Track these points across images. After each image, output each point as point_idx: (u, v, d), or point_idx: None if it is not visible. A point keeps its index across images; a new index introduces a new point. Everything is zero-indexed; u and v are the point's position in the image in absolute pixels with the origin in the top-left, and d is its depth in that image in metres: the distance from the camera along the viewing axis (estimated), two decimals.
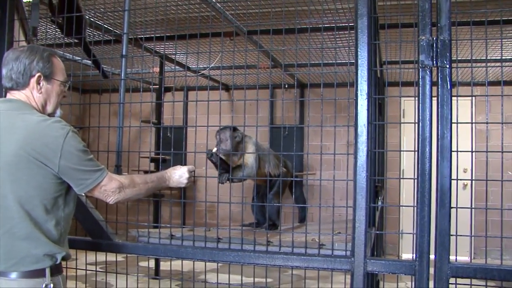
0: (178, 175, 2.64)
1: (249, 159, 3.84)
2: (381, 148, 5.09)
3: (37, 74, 2.28)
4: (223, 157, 3.85)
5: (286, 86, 9.12)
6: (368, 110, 2.45)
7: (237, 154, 3.86)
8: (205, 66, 7.64)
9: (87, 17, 4.95)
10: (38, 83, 2.29)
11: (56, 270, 2.18)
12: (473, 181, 8.40)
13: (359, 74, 2.47)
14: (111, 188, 2.29)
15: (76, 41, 3.37)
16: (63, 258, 2.21)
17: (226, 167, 3.78)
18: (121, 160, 3.23)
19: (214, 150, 3.79)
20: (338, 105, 8.09)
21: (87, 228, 2.95)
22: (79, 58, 4.57)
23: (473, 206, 8.23)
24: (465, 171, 8.02)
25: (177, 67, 7.76)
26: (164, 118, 7.56)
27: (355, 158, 2.46)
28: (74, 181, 2.20)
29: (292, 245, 2.80)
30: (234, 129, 3.91)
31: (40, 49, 2.32)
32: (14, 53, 2.30)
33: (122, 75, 3.29)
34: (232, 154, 3.83)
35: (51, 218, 2.16)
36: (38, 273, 2.11)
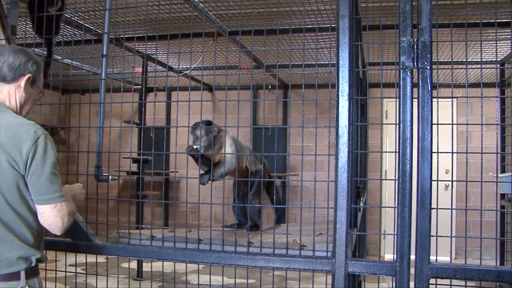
0: (78, 193, 2.45)
1: (227, 156, 3.84)
2: (363, 149, 5.11)
3: (28, 75, 2.28)
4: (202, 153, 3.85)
5: (270, 87, 9.14)
6: (349, 111, 2.45)
7: (216, 149, 3.85)
8: (187, 66, 7.63)
9: (67, 15, 4.91)
10: (26, 83, 2.28)
11: (31, 272, 2.16)
12: (454, 182, 8.48)
13: (340, 75, 2.47)
14: (66, 212, 2.18)
15: (44, 41, 3.34)
16: (39, 261, 2.19)
17: (207, 162, 3.79)
18: (102, 161, 3.20)
19: (195, 147, 3.79)
20: (320, 106, 8.12)
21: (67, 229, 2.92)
22: (59, 57, 4.54)
23: (454, 207, 8.33)
24: (447, 172, 8.09)
25: (159, 67, 7.73)
26: (146, 118, 7.53)
27: (336, 159, 2.47)
28: (37, 189, 2.13)
29: (274, 246, 2.80)
30: (208, 123, 3.90)
31: (33, 54, 2.34)
32: (13, 47, 2.31)
33: (103, 75, 3.26)
34: (211, 149, 3.82)
35: (24, 222, 2.14)
36: (12, 276, 2.10)
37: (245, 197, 3.96)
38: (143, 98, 7.61)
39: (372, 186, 8.44)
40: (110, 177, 3.15)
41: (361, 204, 4.28)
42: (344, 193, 2.46)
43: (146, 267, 7.17)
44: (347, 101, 2.46)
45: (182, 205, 9.37)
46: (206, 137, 3.83)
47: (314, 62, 7.30)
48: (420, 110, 2.38)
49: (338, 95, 2.47)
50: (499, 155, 6.25)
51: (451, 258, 8.24)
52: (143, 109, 7.42)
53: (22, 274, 2.11)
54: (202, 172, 3.73)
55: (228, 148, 3.86)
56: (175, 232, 3.10)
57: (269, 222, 6.47)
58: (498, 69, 6.57)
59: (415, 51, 2.38)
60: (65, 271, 3.29)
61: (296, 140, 8.93)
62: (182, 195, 9.55)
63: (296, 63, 7.60)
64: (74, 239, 2.90)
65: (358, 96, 3.48)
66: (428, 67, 2.38)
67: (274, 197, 4.22)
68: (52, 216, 2.14)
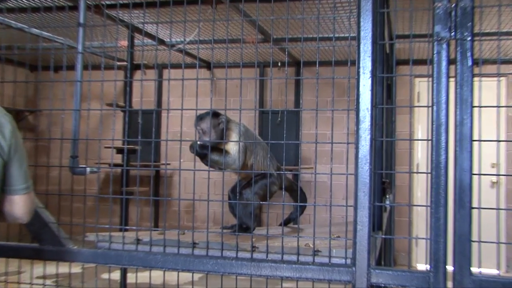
0: None
1: (232, 149, 3.85)
2: (389, 137, 5.09)
3: None
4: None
5: (279, 64, 9.11)
6: (372, 91, 2.43)
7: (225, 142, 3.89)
8: (181, 39, 7.60)
9: None
10: None
11: None
12: (503, 178, 8.43)
13: (361, 49, 2.44)
14: (32, 201, 2.31)
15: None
16: None
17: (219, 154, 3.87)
18: (78, 150, 3.19)
19: (199, 142, 3.83)
20: (338, 86, 8.08)
21: (34, 231, 2.90)
22: (26, 27, 4.51)
23: (501, 207, 8.20)
24: (493, 166, 7.95)
25: (147, 40, 7.70)
26: (132, 100, 7.53)
27: (357, 148, 2.45)
28: (17, 177, 2.22)
29: (282, 251, 2.78)
30: (215, 114, 3.91)
31: None
32: None
33: (80, 48, 3.24)
34: (215, 141, 3.86)
35: None
36: None
37: (239, 193, 3.99)
38: (129, 76, 7.60)
39: (400, 181, 8.43)
40: (88, 169, 3.14)
41: (387, 202, 4.26)
42: (365, 189, 2.44)
43: (130, 278, 7.18)
44: (370, 79, 2.43)
45: (175, 204, 9.38)
46: (213, 132, 3.87)
47: (331, 35, 7.25)
48: (458, 91, 2.35)
49: (359, 72, 2.45)
50: None
51: (499, 270, 8.21)
52: (128, 89, 7.41)
53: None
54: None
55: (234, 145, 3.89)
56: (166, 235, 3.08)
57: (277, 222, 6.47)
58: None
59: (453, 19, 2.35)
60: (31, 284, 3.27)
61: (309, 127, 8.92)
62: (174, 191, 9.56)
63: (310, 35, 7.55)
64: (43, 244, 2.88)
65: (383, 74, 3.45)
66: (469, 38, 2.35)
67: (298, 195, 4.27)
68: (27, 205, 2.25)
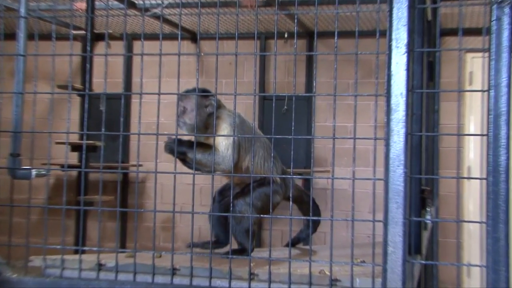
0: None
1: (221, 143, 3.86)
2: (431, 131, 5.09)
3: None
4: (186, 137, 3.91)
5: (286, 36, 9.10)
6: (408, 70, 2.44)
7: (209, 135, 3.90)
8: (158, 1, 7.59)
9: None
10: None
11: None
12: None
13: (394, 15, 2.46)
14: None
15: None
16: None
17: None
18: (21, 147, 3.19)
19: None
20: (363, 64, 8.09)
21: None
22: None
23: None
24: None
25: (113, 1, 7.70)
26: (93, 82, 7.52)
27: (387, 145, 2.47)
28: None
29: (289, 280, 2.78)
30: (205, 93, 3.93)
31: None
32: None
33: (22, 11, 3.24)
34: (200, 134, 3.87)
35: None
36: None
37: (232, 203, 4.00)
38: (88, 50, 7.59)
39: (446, 189, 8.41)
40: (34, 172, 3.14)
41: (428, 217, 4.26)
42: (399, 199, 2.45)
43: None
44: (405, 55, 2.44)
45: (149, 217, 9.39)
46: (194, 113, 3.88)
47: None
48: None
49: (390, 46, 2.46)
50: None
51: None
52: (88, 67, 7.40)
53: None
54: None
55: (223, 139, 3.90)
56: (136, 258, 3.08)
57: (283, 242, 6.47)
58: None
59: None
60: None
61: (325, 117, 8.92)
62: (148, 201, 9.58)
63: None
64: None
65: (423, 48, 3.45)
66: None
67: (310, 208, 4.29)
68: None
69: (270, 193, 3.94)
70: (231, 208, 3.81)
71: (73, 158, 8.34)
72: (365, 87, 7.81)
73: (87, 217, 7.76)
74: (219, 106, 3.98)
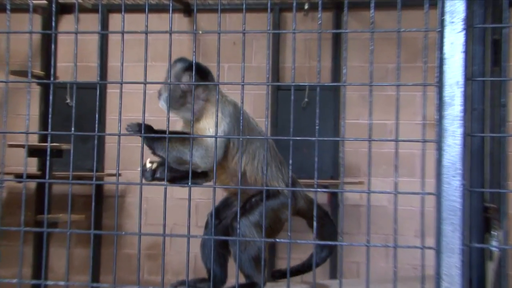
0: None
1: (206, 132, 3.91)
2: (497, 132, 5.03)
3: None
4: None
5: (306, 7, 9.09)
6: (465, 53, 2.42)
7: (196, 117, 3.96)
8: None
9: None
10: None
11: None
12: None
13: None
14: None
15: None
16: None
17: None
18: None
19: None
20: (407, 45, 8.07)
21: None
22: None
23: None
24: None
25: None
26: (58, 67, 7.50)
27: (439, 149, 2.45)
28: None
29: None
30: (194, 67, 3.96)
31: None
32: None
33: None
34: (182, 114, 3.95)
35: None
36: None
37: (230, 225, 4.00)
38: (54, 26, 7.58)
39: None
40: None
41: (494, 243, 4.21)
42: (455, 219, 2.43)
43: None
44: (462, 33, 2.43)
45: (129, 242, 9.37)
46: (179, 88, 3.96)
47: None
48: None
49: (443, 21, 2.45)
50: None
51: None
52: (52, 48, 7.38)
53: None
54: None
55: (209, 126, 3.96)
56: None
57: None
58: None
59: None
60: None
61: (358, 112, 8.91)
62: (128, 222, 9.57)
63: None
64: None
65: (485, 24, 3.40)
66: None
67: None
68: None
69: (278, 207, 3.96)
70: (230, 230, 3.80)
71: (32, 165, 8.34)
72: (410, 74, 7.80)
73: (49, 242, 7.77)
74: (211, 88, 4.00)
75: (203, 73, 4.08)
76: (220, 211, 4.29)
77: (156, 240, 9.05)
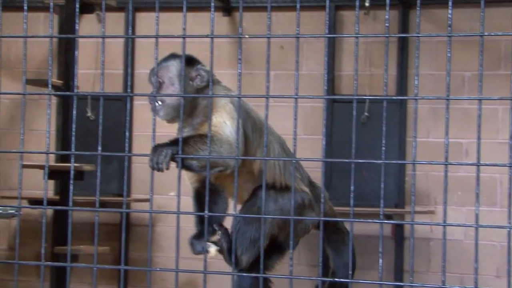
0: None
1: (224, 125, 3.92)
2: None
3: None
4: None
5: (366, 4, 9.05)
6: None
7: (199, 120, 3.98)
8: None
9: None
10: None
11: None
12: None
13: None
14: None
15: None
16: None
17: None
18: None
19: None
20: (487, 48, 8.06)
21: None
22: None
23: None
24: None
25: None
26: (79, 74, 7.62)
27: None
28: None
29: None
30: (190, 61, 4.02)
31: None
32: None
33: None
34: (187, 120, 3.96)
35: None
36: None
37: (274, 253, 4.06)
38: (76, 29, 7.66)
39: None
40: None
41: None
42: None
43: None
44: None
45: (159, 278, 9.40)
46: (177, 87, 3.96)
47: None
48: None
49: None
50: None
51: None
52: (72, 54, 7.48)
53: None
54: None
55: (226, 120, 3.97)
56: None
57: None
58: None
59: None
60: None
61: (427, 128, 8.84)
62: (159, 255, 9.59)
63: None
64: None
65: None
66: None
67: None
68: None
69: (304, 202, 4.00)
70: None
71: (50, 186, 8.37)
72: (491, 83, 7.75)
73: (66, 278, 7.79)
74: (215, 81, 4.05)
75: (195, 61, 4.13)
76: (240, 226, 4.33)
77: (190, 277, 9.05)
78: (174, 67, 4.00)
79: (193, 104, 3.96)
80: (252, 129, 4.01)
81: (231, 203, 4.55)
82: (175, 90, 4.00)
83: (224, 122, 3.93)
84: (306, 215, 4.05)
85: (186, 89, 4.02)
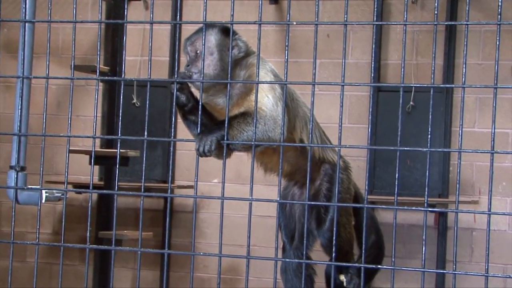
0: None
1: (266, 100, 3.91)
2: None
3: None
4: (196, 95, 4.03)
5: None
6: None
7: (238, 93, 3.98)
8: None
9: None
10: None
11: None
12: None
13: None
14: None
15: None
16: None
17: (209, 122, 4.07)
18: (25, 156, 3.25)
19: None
20: None
21: None
22: None
23: None
24: None
25: None
26: (125, 61, 7.63)
27: None
28: None
29: None
30: (227, 32, 4.04)
31: None
32: None
33: None
34: (223, 90, 3.96)
35: None
36: None
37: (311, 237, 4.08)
38: (125, 14, 7.68)
39: None
40: (45, 194, 3.17)
41: None
42: None
43: None
44: None
45: (202, 264, 9.43)
46: (215, 57, 3.97)
47: None
48: None
49: None
50: None
51: None
52: (121, 40, 7.51)
53: None
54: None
55: (268, 94, 3.96)
56: None
57: None
58: None
59: None
60: None
61: (473, 118, 8.82)
62: (202, 241, 9.62)
63: None
64: None
65: None
66: None
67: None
68: None
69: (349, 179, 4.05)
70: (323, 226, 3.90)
71: (95, 172, 8.42)
72: None
73: (110, 261, 7.83)
74: (250, 53, 4.05)
75: (233, 31, 4.11)
76: (289, 219, 4.32)
77: (232, 263, 9.08)
78: (212, 36, 3.99)
79: (231, 74, 3.90)
80: (289, 99, 4.02)
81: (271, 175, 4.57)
82: (213, 60, 3.98)
83: (266, 96, 3.90)
84: (350, 191, 4.08)
85: (224, 59, 4.05)
